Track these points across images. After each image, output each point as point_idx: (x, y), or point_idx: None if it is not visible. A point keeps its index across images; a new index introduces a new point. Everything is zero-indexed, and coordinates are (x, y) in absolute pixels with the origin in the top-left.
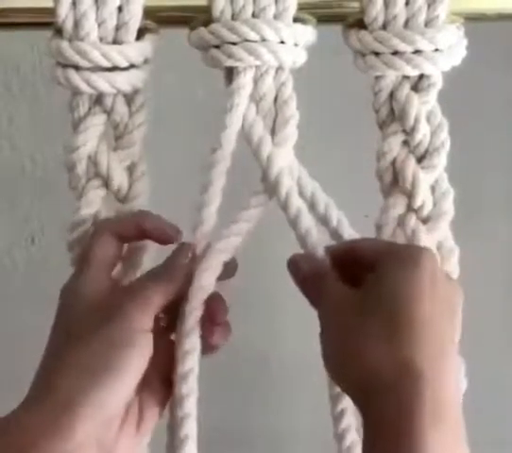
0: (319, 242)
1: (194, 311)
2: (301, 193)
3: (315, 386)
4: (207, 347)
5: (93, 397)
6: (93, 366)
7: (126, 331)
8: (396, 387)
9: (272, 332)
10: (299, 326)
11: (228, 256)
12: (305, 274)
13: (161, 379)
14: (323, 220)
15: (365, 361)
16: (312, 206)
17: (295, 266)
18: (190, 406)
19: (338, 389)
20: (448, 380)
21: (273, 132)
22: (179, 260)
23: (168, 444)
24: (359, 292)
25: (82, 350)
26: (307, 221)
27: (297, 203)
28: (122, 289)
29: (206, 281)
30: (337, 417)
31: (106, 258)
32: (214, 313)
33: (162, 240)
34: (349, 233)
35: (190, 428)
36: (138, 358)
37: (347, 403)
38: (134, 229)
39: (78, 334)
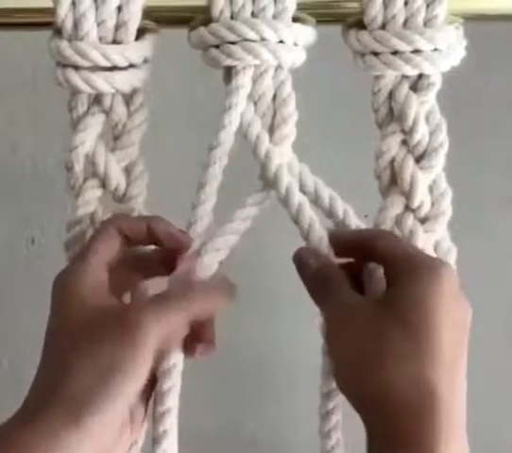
0: (324, 236)
1: None
2: (304, 189)
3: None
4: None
5: (102, 405)
6: (100, 371)
7: (138, 348)
8: (414, 406)
9: (272, 333)
10: (299, 327)
11: (224, 254)
12: (313, 271)
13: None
14: (329, 213)
15: (383, 377)
16: (315, 200)
17: (301, 262)
18: (171, 401)
19: (330, 387)
20: (460, 402)
21: (271, 130)
22: (210, 292)
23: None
24: (376, 303)
25: (87, 351)
26: (309, 215)
27: (297, 198)
28: (142, 302)
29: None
30: (325, 416)
31: (107, 254)
32: (199, 329)
33: (172, 246)
34: (357, 224)
35: (170, 424)
36: (142, 367)
37: (338, 400)
38: (144, 231)
39: (83, 340)
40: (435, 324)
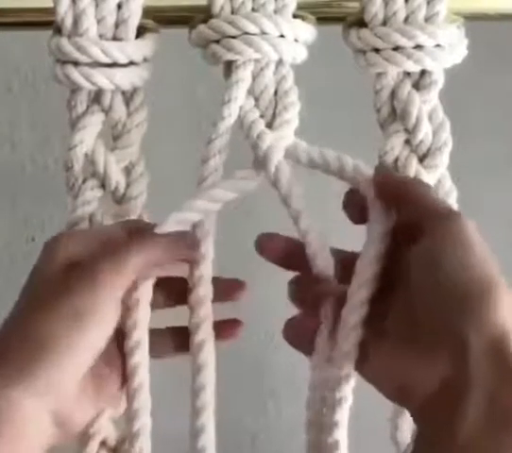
0: (312, 223)
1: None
2: (312, 161)
3: None
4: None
5: (42, 373)
6: (46, 337)
7: (93, 299)
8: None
9: (272, 332)
10: None
11: (196, 217)
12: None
13: (118, 347)
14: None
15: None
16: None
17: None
18: (144, 398)
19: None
20: None
21: (272, 119)
22: (178, 235)
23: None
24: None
25: (42, 318)
26: (300, 202)
27: (287, 178)
28: (101, 249)
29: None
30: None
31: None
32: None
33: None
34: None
35: (144, 421)
36: (102, 331)
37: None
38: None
39: (42, 298)
40: (499, 295)
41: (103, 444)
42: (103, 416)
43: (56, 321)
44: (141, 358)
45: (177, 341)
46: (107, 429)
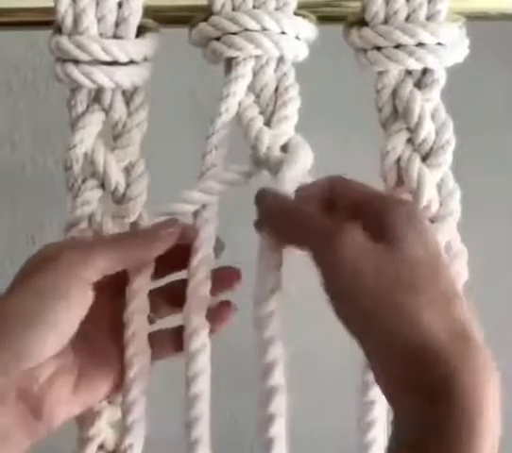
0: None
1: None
2: None
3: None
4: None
5: (10, 349)
6: (17, 316)
7: (53, 277)
8: (462, 361)
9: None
10: (299, 327)
11: (184, 208)
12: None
13: (113, 343)
14: None
15: (418, 321)
16: None
17: (271, 197)
18: (138, 392)
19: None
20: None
21: (271, 115)
22: (154, 229)
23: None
24: (381, 245)
25: (12, 298)
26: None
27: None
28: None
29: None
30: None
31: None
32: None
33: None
34: None
35: (139, 414)
36: (68, 310)
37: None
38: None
39: (15, 280)
40: (440, 266)
41: (101, 447)
42: (101, 419)
43: (20, 298)
44: (137, 349)
45: (176, 341)
46: (105, 433)
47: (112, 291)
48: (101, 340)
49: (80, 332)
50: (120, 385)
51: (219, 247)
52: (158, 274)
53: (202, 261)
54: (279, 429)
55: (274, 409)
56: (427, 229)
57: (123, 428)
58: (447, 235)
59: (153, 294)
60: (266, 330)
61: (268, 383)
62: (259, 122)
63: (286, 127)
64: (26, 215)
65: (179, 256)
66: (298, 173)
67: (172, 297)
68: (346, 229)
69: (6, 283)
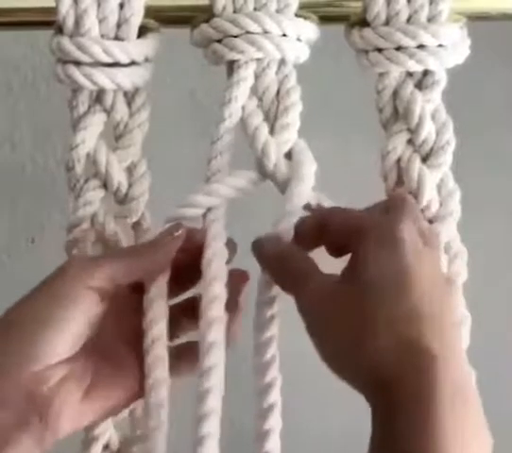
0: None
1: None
2: None
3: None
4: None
5: (20, 352)
6: (27, 321)
7: (61, 284)
8: (410, 368)
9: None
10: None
11: (192, 213)
12: (276, 255)
13: (132, 355)
14: None
15: (376, 344)
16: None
17: (260, 246)
18: (162, 395)
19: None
20: (459, 361)
21: (274, 120)
22: (159, 237)
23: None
24: (347, 278)
25: (26, 305)
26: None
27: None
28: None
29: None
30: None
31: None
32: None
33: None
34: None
35: (163, 417)
36: (74, 316)
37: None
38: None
39: (33, 289)
40: (405, 284)
41: (106, 447)
42: (106, 420)
43: (32, 304)
44: (157, 356)
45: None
46: (110, 432)
47: (134, 302)
48: (120, 351)
49: (98, 342)
50: (136, 395)
51: (231, 248)
52: (179, 289)
53: (214, 257)
54: (274, 422)
55: (272, 400)
56: (403, 244)
57: (143, 436)
58: (447, 235)
59: (174, 310)
60: (267, 331)
61: (265, 379)
62: (264, 130)
63: (289, 135)
64: (26, 215)
65: (196, 270)
66: (306, 187)
67: (193, 311)
68: (313, 274)
69: (6, 283)
